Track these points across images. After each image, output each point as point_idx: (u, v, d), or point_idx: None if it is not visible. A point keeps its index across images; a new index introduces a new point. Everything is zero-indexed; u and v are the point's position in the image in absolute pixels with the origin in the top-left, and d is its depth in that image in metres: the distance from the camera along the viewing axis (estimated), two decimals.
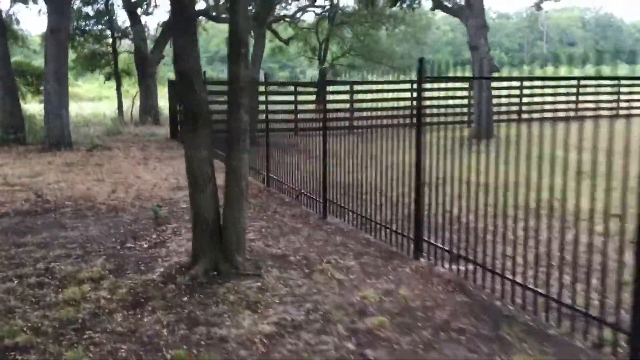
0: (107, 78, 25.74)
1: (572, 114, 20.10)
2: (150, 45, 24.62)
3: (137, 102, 25.19)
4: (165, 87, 29.23)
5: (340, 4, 24.79)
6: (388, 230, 6.12)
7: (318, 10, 25.03)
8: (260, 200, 8.81)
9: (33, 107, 21.29)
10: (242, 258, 5.15)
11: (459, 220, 5.37)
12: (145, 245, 6.38)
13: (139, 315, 4.32)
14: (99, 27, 24.80)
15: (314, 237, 6.58)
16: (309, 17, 26.30)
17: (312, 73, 29.34)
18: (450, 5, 18.38)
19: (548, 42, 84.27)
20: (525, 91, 19.57)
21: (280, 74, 42.89)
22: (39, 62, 25.25)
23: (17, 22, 24.26)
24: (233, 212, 5.12)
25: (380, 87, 16.70)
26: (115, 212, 7.98)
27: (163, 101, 25.96)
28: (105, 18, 24.37)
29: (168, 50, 28.46)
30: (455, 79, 5.81)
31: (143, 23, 24.33)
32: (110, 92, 45.55)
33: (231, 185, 5.13)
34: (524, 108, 19.75)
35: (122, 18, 23.57)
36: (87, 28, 24.64)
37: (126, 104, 26.17)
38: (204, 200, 5.11)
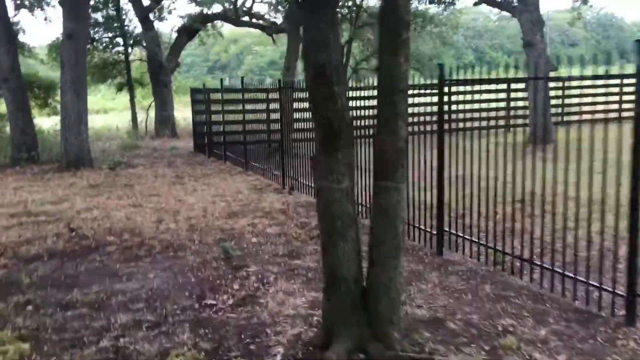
0: (119, 89, 24.21)
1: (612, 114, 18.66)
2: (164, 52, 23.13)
3: (152, 114, 23.72)
4: (181, 97, 27.88)
5: (364, 4, 23.26)
6: (568, 278, 4.57)
7: (343, 11, 23.49)
8: None
9: (42, 121, 19.77)
10: (398, 333, 3.62)
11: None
12: (231, 302, 4.86)
13: None
14: (109, 34, 23.29)
15: (450, 285, 5.05)
16: None
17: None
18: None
19: (550, 44, 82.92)
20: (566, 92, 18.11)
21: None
22: (43, 73, 23.76)
23: (23, 31, 22.80)
24: (386, 270, 3.59)
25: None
26: (174, 251, 6.44)
27: (178, 112, 24.51)
28: (115, 24, 22.88)
29: (183, 57, 27.05)
30: None
31: (156, 29, 22.82)
32: (116, 104, 44.13)
33: (382, 231, 3.60)
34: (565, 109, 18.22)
35: (134, 24, 22.60)
36: (96, 36, 23.13)
37: (138, 115, 24.67)
38: (344, 251, 3.59)
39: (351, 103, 7.97)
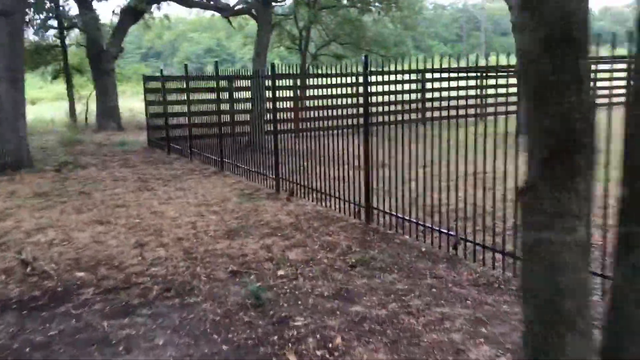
0: (55, 76, 21.66)
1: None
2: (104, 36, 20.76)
3: (92, 104, 21.38)
4: (123, 86, 25.48)
5: None
6: None
7: None
8: (379, 252, 5.74)
9: None
10: None
11: None
12: None
13: None
14: (41, 15, 20.70)
15: None
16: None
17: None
18: None
19: (484, 32, 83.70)
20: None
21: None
22: None
23: None
24: None
25: None
26: (178, 295, 4.72)
27: (121, 102, 22.18)
28: (48, 5, 20.32)
29: (128, 41, 24.67)
30: None
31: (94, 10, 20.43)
32: (45, 93, 40.73)
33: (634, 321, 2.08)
34: None
35: (70, 5, 20.09)
36: (27, 17, 20.47)
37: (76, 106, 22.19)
38: (574, 348, 2.06)
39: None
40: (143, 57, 75.12)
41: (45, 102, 35.35)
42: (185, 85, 12.11)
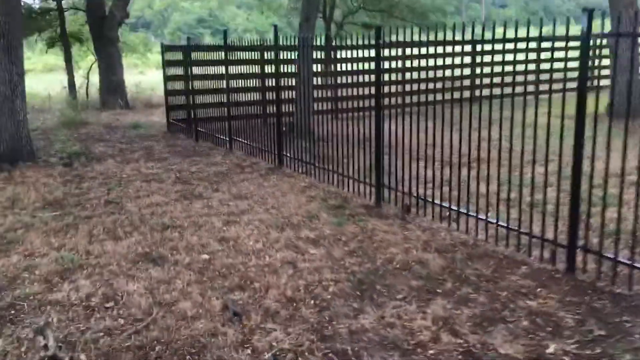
0: (50, 45, 19.00)
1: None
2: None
3: (93, 78, 18.80)
4: (127, 57, 22.73)
5: None
6: None
7: None
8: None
9: None
10: None
11: None
12: None
13: None
14: None
15: None
16: None
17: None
18: None
19: (480, 4, 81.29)
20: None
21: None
22: None
23: None
24: None
25: None
26: None
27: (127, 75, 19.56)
28: None
29: (132, 6, 21.96)
30: None
31: None
32: (32, 64, 37.73)
33: None
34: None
35: None
36: None
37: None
38: None
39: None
40: (132, 27, 71.78)
41: (34, 75, 32.57)
42: (224, 56, 9.67)
